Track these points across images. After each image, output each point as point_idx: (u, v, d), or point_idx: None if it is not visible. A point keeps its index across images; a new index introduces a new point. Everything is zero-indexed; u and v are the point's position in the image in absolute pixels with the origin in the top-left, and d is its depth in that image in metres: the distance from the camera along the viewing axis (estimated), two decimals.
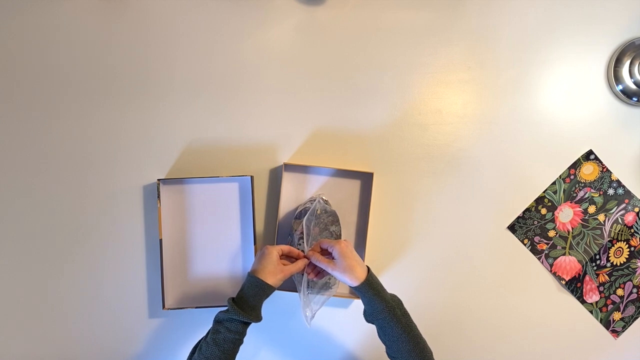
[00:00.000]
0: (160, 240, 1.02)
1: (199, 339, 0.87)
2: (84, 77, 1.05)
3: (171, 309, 1.02)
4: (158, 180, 1.01)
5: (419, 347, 0.83)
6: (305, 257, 0.91)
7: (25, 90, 1.05)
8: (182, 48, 1.05)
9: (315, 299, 0.93)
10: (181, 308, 1.02)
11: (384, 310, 0.82)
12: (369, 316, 0.86)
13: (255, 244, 1.02)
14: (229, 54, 1.05)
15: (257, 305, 0.84)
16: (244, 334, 0.83)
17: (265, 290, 0.84)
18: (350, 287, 0.85)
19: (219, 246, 1.05)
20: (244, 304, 0.82)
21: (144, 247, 1.06)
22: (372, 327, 0.92)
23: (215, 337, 0.81)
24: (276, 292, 1.03)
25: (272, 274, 0.84)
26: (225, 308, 0.83)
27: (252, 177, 1.03)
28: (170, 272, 1.04)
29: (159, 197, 1.01)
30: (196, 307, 1.03)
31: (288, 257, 0.91)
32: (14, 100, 1.05)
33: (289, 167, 1.04)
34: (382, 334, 0.85)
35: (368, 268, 0.86)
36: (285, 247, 0.90)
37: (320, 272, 0.91)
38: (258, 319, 0.84)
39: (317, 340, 1.07)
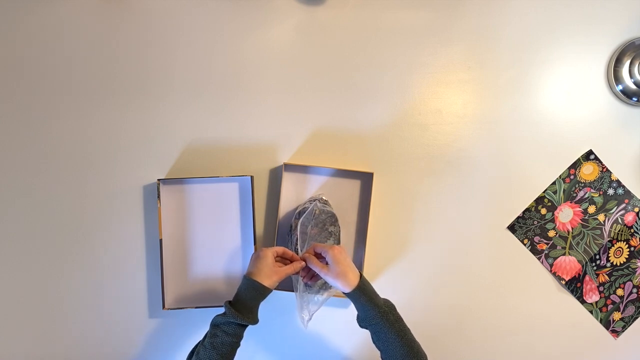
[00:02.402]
0: (160, 240, 1.02)
1: (196, 341, 0.87)
2: (84, 77, 1.05)
3: (171, 309, 1.02)
4: (158, 180, 1.01)
5: (413, 352, 0.83)
6: (301, 259, 0.90)
7: (26, 90, 1.05)
8: (183, 48, 1.05)
9: (314, 300, 0.92)
10: (181, 308, 1.02)
11: (377, 316, 0.82)
12: (362, 322, 0.86)
13: (255, 244, 1.03)
14: (229, 54, 1.05)
15: (255, 307, 0.84)
16: (241, 336, 0.83)
17: (263, 292, 0.84)
18: (343, 293, 0.85)
19: (219, 246, 1.05)
20: (242, 306, 0.82)
21: (144, 247, 1.06)
22: None
23: (213, 341, 0.80)
24: (276, 292, 1.03)
25: (268, 276, 0.84)
26: (222, 312, 0.83)
27: (252, 177, 1.03)
28: (170, 272, 1.04)
29: (159, 197, 1.01)
30: (196, 307, 1.03)
31: (282, 259, 0.91)
32: (14, 100, 1.05)
33: (289, 167, 1.04)
34: (376, 340, 0.85)
35: (361, 274, 0.86)
36: (279, 249, 0.90)
37: (314, 276, 0.91)
38: (255, 321, 0.84)
39: (316, 341, 1.07)
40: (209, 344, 0.81)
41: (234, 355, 0.83)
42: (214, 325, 0.83)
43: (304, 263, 0.89)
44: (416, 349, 0.84)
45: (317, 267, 0.86)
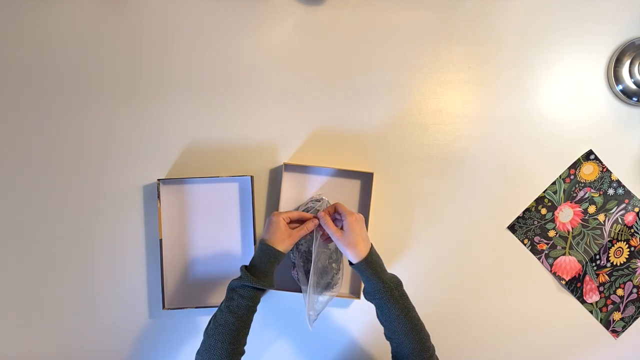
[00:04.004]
0: (160, 240, 1.02)
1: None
2: (84, 76, 1.05)
3: (171, 309, 1.02)
4: (158, 180, 1.01)
5: (416, 329, 0.83)
6: (317, 217, 0.90)
7: (24, 90, 1.05)
8: (182, 47, 1.05)
9: (318, 301, 0.93)
10: (181, 308, 1.02)
11: (382, 290, 0.83)
12: (367, 294, 0.86)
13: (255, 244, 1.02)
14: (229, 54, 1.05)
15: (269, 271, 0.85)
16: (257, 301, 0.84)
17: (276, 256, 0.85)
18: (350, 262, 0.86)
19: (219, 246, 1.05)
20: (256, 271, 0.84)
21: (144, 247, 1.06)
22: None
23: (229, 304, 0.82)
24: (277, 292, 1.03)
25: (281, 239, 0.85)
26: (239, 276, 0.84)
27: (252, 177, 1.03)
28: (170, 272, 1.04)
29: (159, 197, 1.01)
30: (196, 307, 1.03)
31: (299, 222, 0.91)
32: (13, 100, 1.05)
33: (289, 167, 1.04)
34: (380, 314, 0.85)
35: (372, 247, 0.86)
36: (293, 214, 0.90)
37: (328, 237, 0.91)
38: (271, 285, 0.85)
39: (318, 341, 1.07)
40: (225, 307, 0.82)
41: (251, 320, 0.84)
42: (231, 289, 0.84)
43: (317, 221, 0.90)
44: (419, 326, 0.84)
45: (331, 230, 0.87)
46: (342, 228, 0.87)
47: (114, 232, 1.06)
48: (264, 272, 0.84)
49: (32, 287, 1.06)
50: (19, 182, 1.05)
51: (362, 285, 1.01)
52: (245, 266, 0.85)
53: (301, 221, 0.91)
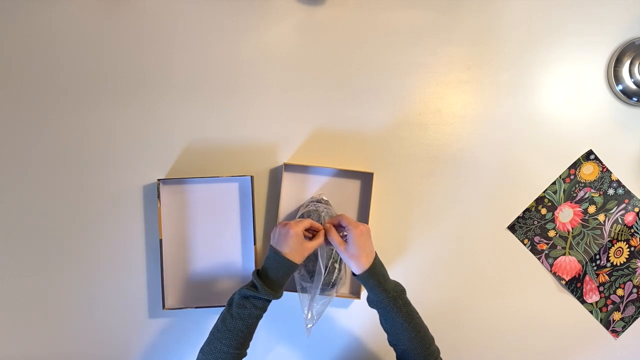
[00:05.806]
0: (160, 240, 1.02)
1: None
2: (84, 76, 1.05)
3: (171, 309, 1.02)
4: (158, 180, 1.01)
5: (420, 335, 0.84)
6: (322, 227, 0.91)
7: (25, 90, 1.05)
8: (182, 47, 1.05)
9: (320, 302, 0.93)
10: (181, 308, 1.02)
11: (385, 299, 0.83)
12: (371, 303, 0.87)
13: (255, 244, 1.03)
14: (229, 54, 1.05)
15: (284, 283, 0.86)
16: (266, 309, 0.85)
17: (293, 269, 0.85)
18: (353, 273, 0.86)
19: (219, 246, 1.05)
20: (273, 283, 0.84)
21: (144, 247, 1.06)
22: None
23: (241, 312, 0.82)
24: None
25: (299, 253, 0.85)
26: (248, 283, 0.85)
27: (252, 177, 1.03)
28: (170, 272, 1.04)
29: (159, 197, 1.01)
30: (196, 307, 1.03)
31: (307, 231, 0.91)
32: (12, 100, 1.05)
33: (289, 167, 1.04)
34: (383, 322, 0.86)
35: (376, 256, 0.87)
36: (306, 223, 0.88)
37: (330, 242, 0.91)
38: (281, 295, 0.86)
39: (318, 341, 1.07)
40: (237, 315, 0.82)
41: (256, 326, 0.85)
42: (244, 297, 0.83)
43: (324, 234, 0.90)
44: (423, 331, 0.85)
45: (335, 242, 0.87)
46: (346, 238, 0.87)
47: (114, 232, 1.06)
48: (280, 284, 0.85)
49: (31, 287, 1.06)
50: (18, 181, 1.05)
51: (365, 292, 1.01)
52: (258, 273, 0.85)
53: (308, 229, 0.90)
